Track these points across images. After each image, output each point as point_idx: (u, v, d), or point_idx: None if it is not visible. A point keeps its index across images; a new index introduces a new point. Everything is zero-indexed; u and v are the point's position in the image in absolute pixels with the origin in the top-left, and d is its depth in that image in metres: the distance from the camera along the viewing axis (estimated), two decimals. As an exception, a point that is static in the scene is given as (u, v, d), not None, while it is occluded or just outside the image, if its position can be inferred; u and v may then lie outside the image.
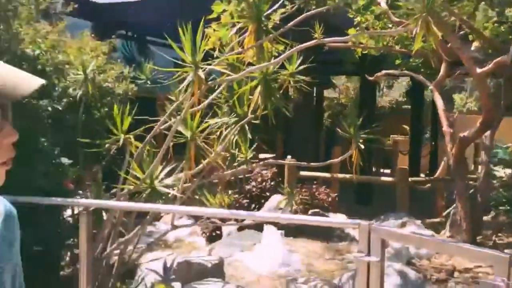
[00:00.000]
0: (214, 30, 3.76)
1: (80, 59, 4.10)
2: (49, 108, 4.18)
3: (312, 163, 4.74)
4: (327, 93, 15.77)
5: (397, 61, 6.87)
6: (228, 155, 4.36)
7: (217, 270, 4.24)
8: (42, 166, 3.74)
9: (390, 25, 5.20)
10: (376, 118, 9.70)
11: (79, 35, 4.89)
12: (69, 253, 4.45)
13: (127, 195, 3.85)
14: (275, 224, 5.32)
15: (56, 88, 4.38)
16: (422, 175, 10.73)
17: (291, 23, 3.71)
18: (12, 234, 0.84)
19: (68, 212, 4.64)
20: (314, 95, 11.91)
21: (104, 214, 3.94)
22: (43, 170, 3.77)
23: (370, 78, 6.87)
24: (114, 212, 3.84)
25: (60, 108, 4.32)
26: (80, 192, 4.33)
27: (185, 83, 3.44)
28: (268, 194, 6.29)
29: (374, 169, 10.83)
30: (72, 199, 3.49)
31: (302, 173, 6.84)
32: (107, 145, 3.89)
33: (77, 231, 3.39)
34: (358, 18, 5.31)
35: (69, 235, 4.31)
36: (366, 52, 6.47)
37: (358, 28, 5.04)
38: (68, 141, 4.27)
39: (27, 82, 0.69)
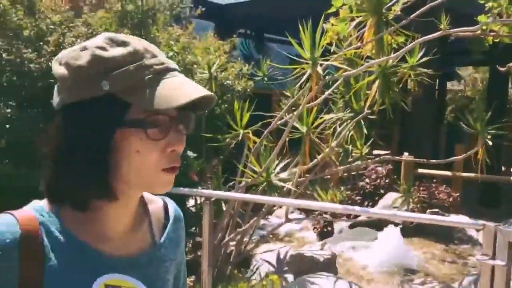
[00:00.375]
0: (333, 24, 3.71)
1: (206, 59, 4.36)
2: (178, 105, 4.51)
3: (431, 160, 4.49)
4: (451, 85, 14.72)
5: (535, 49, 6.15)
6: (341, 150, 4.32)
7: (329, 265, 4.24)
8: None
9: (528, 10, 4.67)
10: (507, 112, 8.84)
11: (203, 36, 5.19)
12: (191, 241, 4.77)
13: (244, 187, 4.02)
14: (390, 224, 5.14)
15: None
16: (562, 176, 9.52)
17: (415, 13, 3.52)
18: (179, 235, 0.91)
19: (191, 202, 4.98)
20: (436, 87, 11.20)
21: (223, 205, 4.16)
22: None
23: (502, 69, 6.24)
24: (232, 204, 4.04)
25: (187, 105, 4.63)
26: (202, 183, 4.62)
27: (303, 79, 3.47)
28: (382, 191, 6.09)
29: (503, 168, 9.89)
30: (196, 190, 3.74)
31: (420, 170, 6.49)
32: (227, 140, 4.10)
33: (199, 220, 3.63)
34: (490, 4, 4.85)
35: (191, 223, 4.62)
36: (497, 40, 5.90)
37: (489, 14, 4.61)
38: (193, 135, 4.56)
39: (182, 94, 0.72)
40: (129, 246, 0.81)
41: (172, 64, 0.78)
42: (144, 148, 0.73)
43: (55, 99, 0.76)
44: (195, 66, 4.68)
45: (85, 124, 0.72)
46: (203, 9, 5.31)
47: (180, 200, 4.47)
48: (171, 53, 4.34)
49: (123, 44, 0.75)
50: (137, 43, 0.76)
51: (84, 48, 0.75)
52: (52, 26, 3.77)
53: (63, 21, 3.84)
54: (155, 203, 0.90)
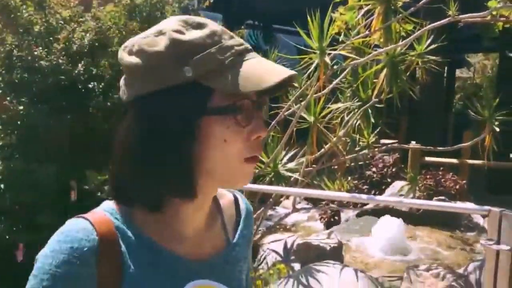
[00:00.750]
0: (341, 14, 3.71)
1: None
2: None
3: (438, 148, 4.50)
4: (460, 72, 14.58)
5: (546, 35, 6.07)
6: (348, 140, 4.34)
7: (335, 253, 4.28)
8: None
9: (540, -6, 4.61)
10: (516, 99, 8.77)
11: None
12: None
13: (252, 178, 4.05)
14: (396, 212, 5.18)
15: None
16: None
17: (423, 0, 3.50)
18: (250, 231, 0.84)
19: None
20: (445, 75, 11.11)
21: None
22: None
23: None
24: (240, 194, 4.08)
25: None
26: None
27: (311, 69, 3.48)
28: (389, 180, 6.11)
29: (511, 155, 9.85)
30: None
31: (428, 158, 6.51)
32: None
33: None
34: (501, -12, 4.79)
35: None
36: (508, 25, 5.83)
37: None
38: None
39: (270, 75, 0.67)
40: (203, 247, 0.76)
41: (248, 45, 0.71)
42: (231, 136, 0.67)
43: (124, 93, 0.70)
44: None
45: (165, 115, 0.66)
46: (211, 1, 5.31)
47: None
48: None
49: (199, 26, 0.69)
50: (213, 24, 0.70)
51: (160, 33, 0.68)
52: (61, 22, 3.82)
53: (73, 16, 3.89)
54: (226, 197, 0.83)
